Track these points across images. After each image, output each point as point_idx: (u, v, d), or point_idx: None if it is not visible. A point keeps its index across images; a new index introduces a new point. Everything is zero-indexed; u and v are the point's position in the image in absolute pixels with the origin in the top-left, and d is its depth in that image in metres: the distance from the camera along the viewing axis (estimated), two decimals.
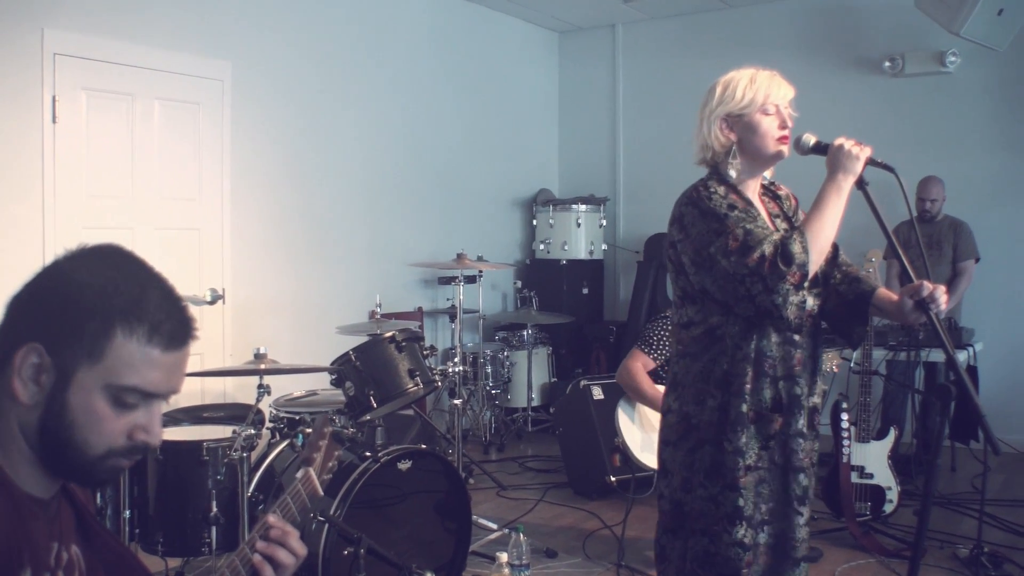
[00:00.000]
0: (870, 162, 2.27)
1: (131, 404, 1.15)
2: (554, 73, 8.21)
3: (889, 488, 4.40)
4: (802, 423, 2.34)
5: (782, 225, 2.47)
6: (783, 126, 2.44)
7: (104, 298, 1.14)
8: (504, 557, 3.43)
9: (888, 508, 4.41)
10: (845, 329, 2.46)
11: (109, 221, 4.75)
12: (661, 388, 3.95)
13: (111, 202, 4.77)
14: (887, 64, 6.60)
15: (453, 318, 6.09)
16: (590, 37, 8.08)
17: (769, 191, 2.61)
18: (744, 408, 2.30)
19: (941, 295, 2.20)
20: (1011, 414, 6.13)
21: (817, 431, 2.44)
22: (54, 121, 4.47)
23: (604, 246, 7.64)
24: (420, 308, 6.63)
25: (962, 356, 5.44)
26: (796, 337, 2.35)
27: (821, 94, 6.88)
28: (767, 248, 2.21)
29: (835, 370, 4.23)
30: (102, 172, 4.72)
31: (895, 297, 2.39)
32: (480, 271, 6.10)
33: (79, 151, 4.60)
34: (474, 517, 3.92)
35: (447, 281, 6.44)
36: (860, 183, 2.28)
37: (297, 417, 3.94)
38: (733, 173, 2.46)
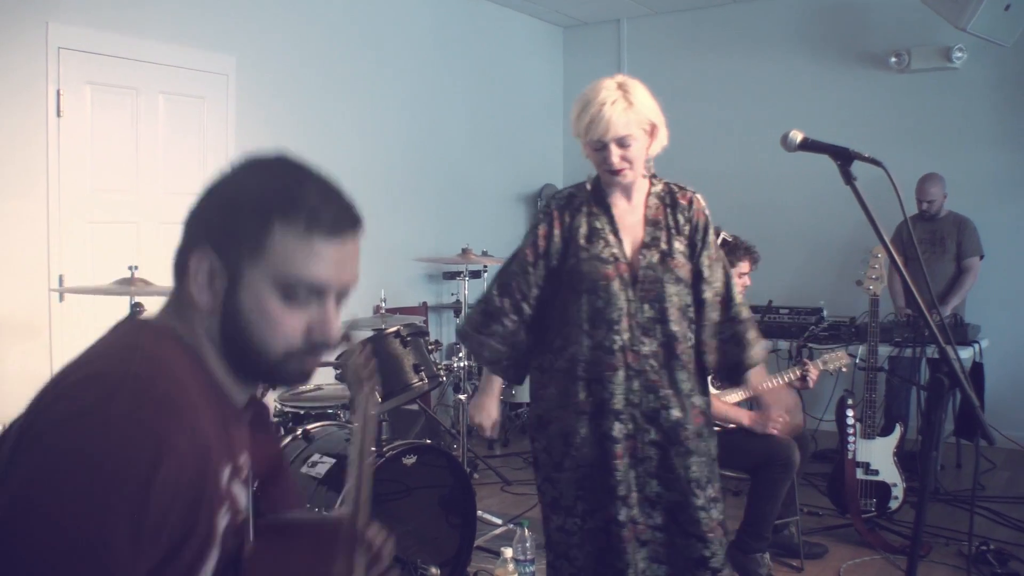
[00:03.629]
0: (859, 158, 2.22)
1: (301, 299, 1.15)
2: (559, 68, 8.20)
3: (895, 484, 4.39)
4: (616, 427, 2.54)
5: (658, 234, 2.61)
6: (607, 163, 2.55)
7: (260, 194, 1.15)
8: (509, 552, 3.43)
9: (893, 504, 4.40)
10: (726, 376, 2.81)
11: (114, 215, 4.74)
12: None
13: (116, 196, 4.77)
14: (893, 60, 6.58)
15: (458, 313, 6.09)
16: (595, 32, 8.07)
17: (668, 198, 2.69)
18: (560, 407, 2.60)
19: (769, 428, 2.57)
20: (1017, 411, 6.11)
21: (683, 444, 2.58)
22: (58, 115, 4.46)
23: None
24: (425, 303, 6.63)
25: (968, 353, 5.42)
26: (605, 342, 2.55)
27: (827, 90, 6.86)
28: (494, 291, 2.68)
29: (844, 370, 4.22)
30: (106, 166, 4.71)
31: (760, 395, 2.72)
32: (485, 266, 6.09)
33: (83, 145, 4.60)
34: (479, 512, 3.92)
35: (452, 276, 6.43)
36: (848, 179, 2.23)
37: (301, 412, 3.94)
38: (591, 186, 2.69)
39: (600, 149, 2.53)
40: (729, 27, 7.38)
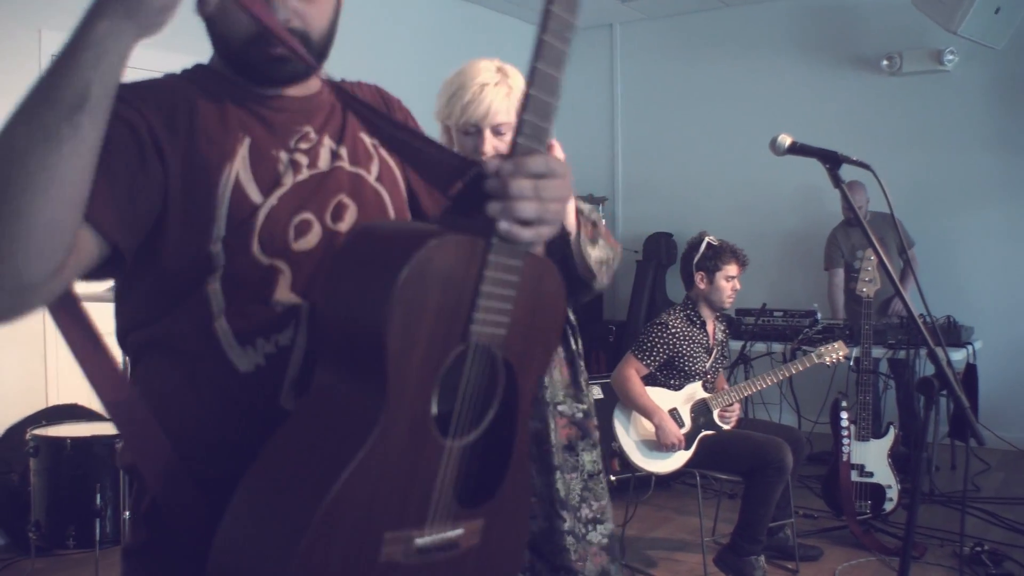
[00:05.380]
0: (847, 161, 2.22)
1: None
2: None
3: (889, 486, 4.40)
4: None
5: None
6: (478, 152, 2.18)
7: None
8: None
9: (888, 506, 4.41)
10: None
11: None
12: (657, 391, 3.95)
13: None
14: (885, 63, 6.61)
15: None
16: (588, 37, 8.08)
17: None
18: None
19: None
20: (1011, 412, 6.14)
21: (548, 462, 2.25)
22: None
23: None
24: None
25: (961, 355, 5.44)
26: None
27: (819, 93, 6.88)
28: None
29: (841, 359, 4.20)
30: None
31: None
32: None
33: None
34: None
35: None
36: (837, 182, 2.23)
37: None
38: None
39: (472, 134, 2.22)
40: (721, 31, 7.40)
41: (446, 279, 1.06)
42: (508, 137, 2.18)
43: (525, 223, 1.08)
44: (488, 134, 2.19)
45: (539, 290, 1.17)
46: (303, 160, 1.26)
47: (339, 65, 4.54)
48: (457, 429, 1.11)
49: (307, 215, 1.24)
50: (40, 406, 4.34)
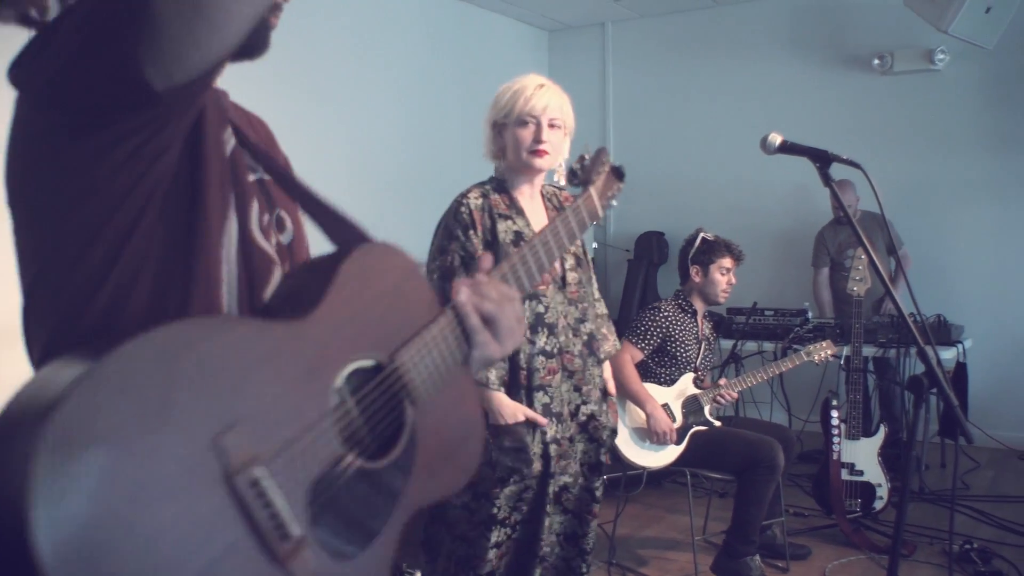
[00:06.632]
0: (837, 160, 2.23)
1: None
2: (544, 72, 8.20)
3: (879, 485, 4.41)
4: (553, 429, 2.58)
5: None
6: (537, 140, 2.57)
7: None
8: None
9: (878, 505, 4.42)
10: None
11: None
12: (650, 387, 3.95)
13: None
14: (876, 62, 6.62)
15: None
16: (580, 35, 8.08)
17: (555, 200, 2.79)
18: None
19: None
20: (1001, 410, 6.15)
21: (591, 434, 2.72)
22: None
23: (595, 244, 7.63)
24: None
25: (951, 353, 5.45)
26: (547, 347, 2.57)
27: (810, 92, 6.89)
28: None
29: (829, 359, 4.22)
30: None
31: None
32: None
33: None
34: None
35: None
36: (827, 181, 2.24)
37: None
38: (504, 178, 2.70)
39: (530, 124, 2.59)
40: (713, 30, 7.40)
41: (397, 287, 1.12)
42: (556, 134, 2.60)
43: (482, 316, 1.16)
44: (545, 125, 2.56)
45: (461, 415, 1.20)
46: (244, 159, 1.17)
47: (333, 63, 4.54)
48: (346, 434, 1.00)
49: (267, 215, 1.15)
50: None
